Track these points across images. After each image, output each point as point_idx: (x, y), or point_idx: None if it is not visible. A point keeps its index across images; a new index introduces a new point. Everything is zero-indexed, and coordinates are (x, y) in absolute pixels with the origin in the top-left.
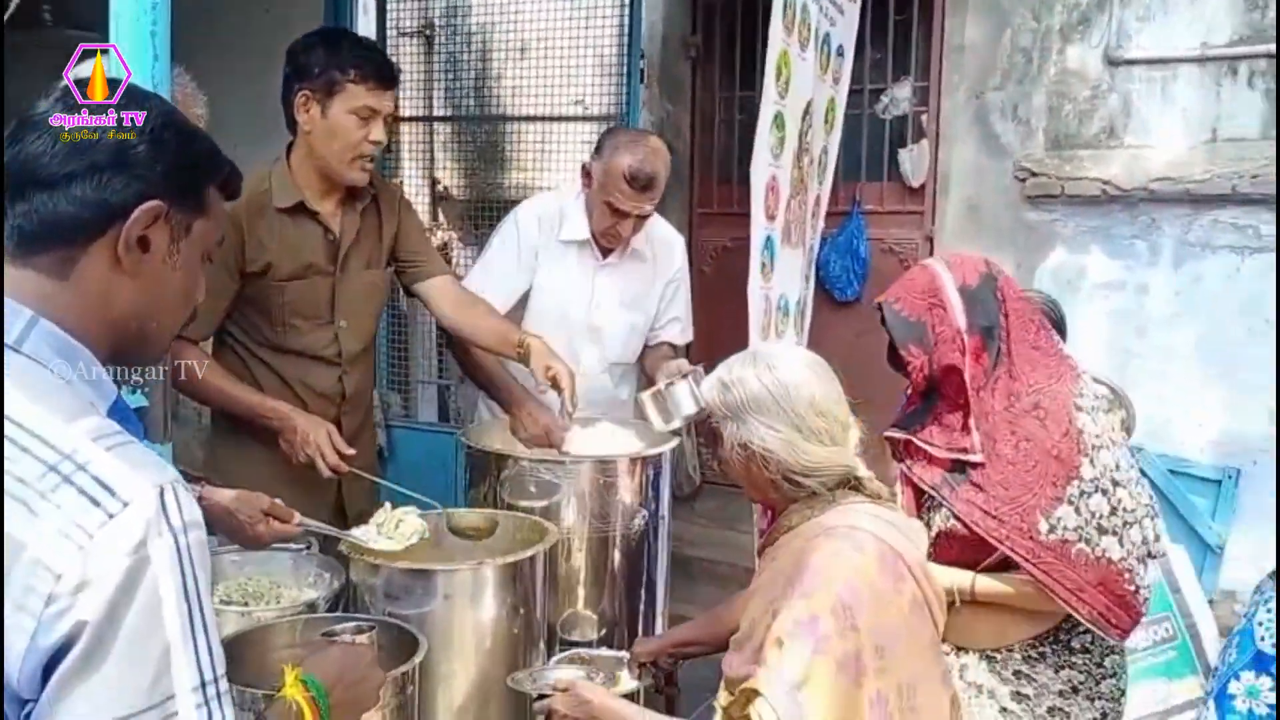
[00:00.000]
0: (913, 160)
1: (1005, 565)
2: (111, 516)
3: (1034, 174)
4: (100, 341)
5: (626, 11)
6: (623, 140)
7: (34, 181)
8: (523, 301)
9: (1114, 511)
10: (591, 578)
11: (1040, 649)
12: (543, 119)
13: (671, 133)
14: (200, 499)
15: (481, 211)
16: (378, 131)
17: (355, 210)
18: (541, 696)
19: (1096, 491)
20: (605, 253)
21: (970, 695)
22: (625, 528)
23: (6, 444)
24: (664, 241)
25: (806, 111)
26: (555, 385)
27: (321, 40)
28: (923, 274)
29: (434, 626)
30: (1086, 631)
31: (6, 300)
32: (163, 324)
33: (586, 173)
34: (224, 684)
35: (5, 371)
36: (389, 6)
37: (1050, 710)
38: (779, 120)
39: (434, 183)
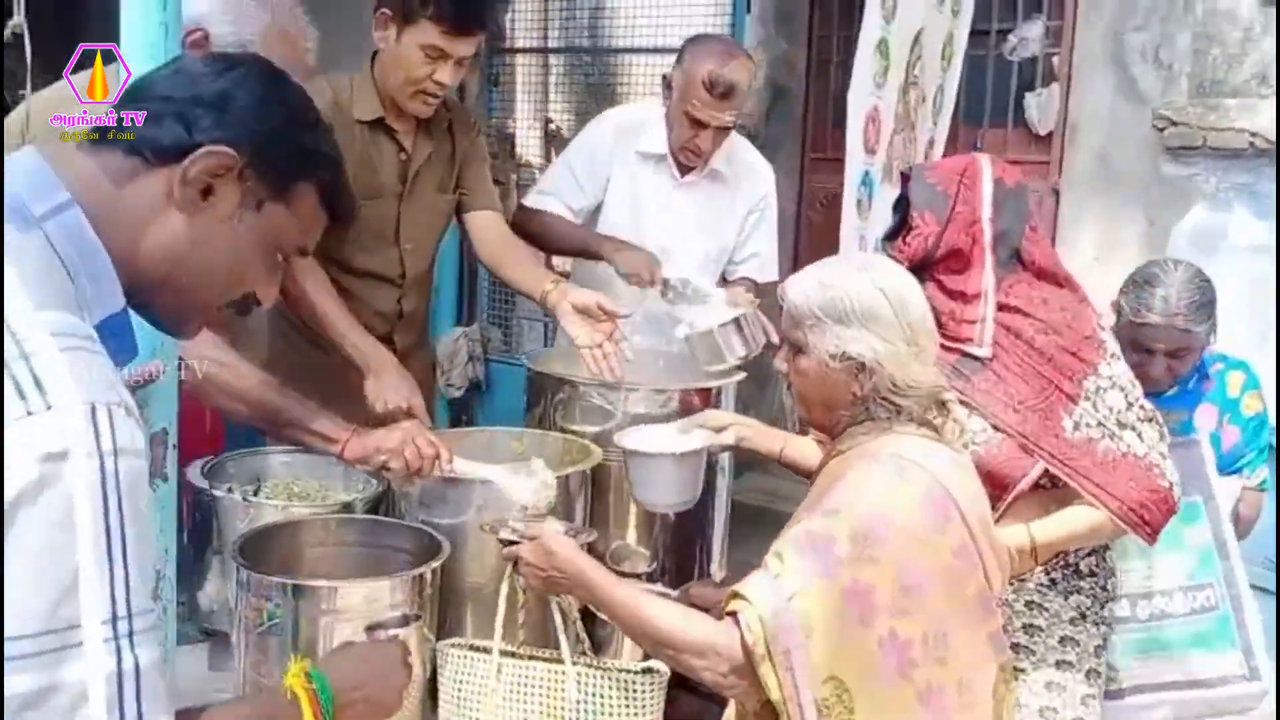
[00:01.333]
0: (1040, 105)
1: (1034, 490)
2: (30, 414)
3: (1174, 123)
4: (123, 266)
5: None
6: (705, 47)
7: (136, 97)
8: (596, 213)
9: (1130, 406)
10: (643, 510)
11: (1052, 574)
12: (653, 50)
13: (785, 72)
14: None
15: None
16: (444, 73)
17: (431, 133)
18: (511, 543)
19: (1113, 388)
20: (683, 171)
21: None
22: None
23: None
24: (749, 166)
25: (916, 41)
26: (593, 314)
27: None
28: (964, 158)
29: (465, 537)
30: (1092, 553)
31: (44, 172)
32: (194, 286)
33: (668, 83)
34: (143, 623)
35: (7, 245)
36: None
37: (1062, 640)
38: (883, 47)
39: (547, 121)
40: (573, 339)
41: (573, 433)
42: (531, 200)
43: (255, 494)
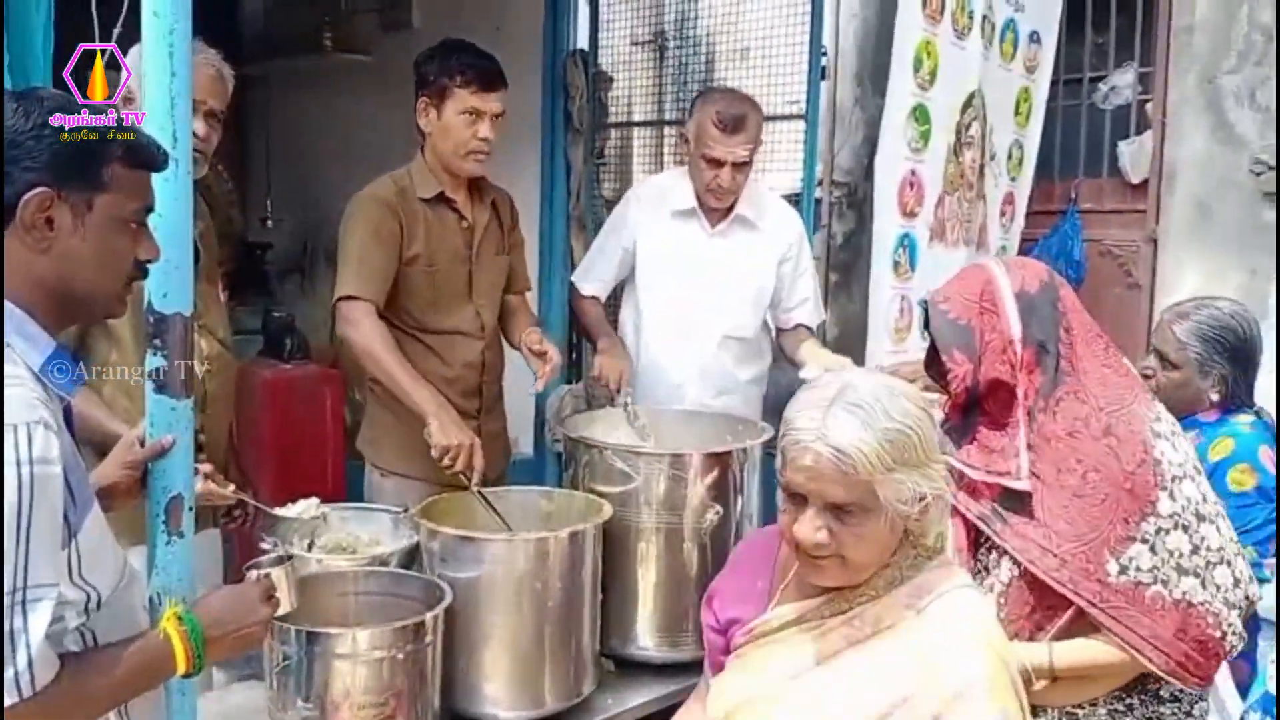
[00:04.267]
0: (1133, 154)
1: (1081, 621)
2: None
3: (1272, 167)
4: (38, 305)
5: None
6: (711, 94)
7: None
8: (632, 283)
9: (1196, 550)
10: (657, 569)
11: (1128, 700)
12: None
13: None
14: None
15: None
16: (484, 129)
17: (483, 202)
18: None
19: (1176, 528)
20: (714, 221)
21: None
22: (696, 522)
23: None
24: (777, 213)
25: (969, 103)
26: (537, 353)
27: (438, 52)
28: (977, 274)
29: (477, 590)
30: None
31: None
32: (92, 288)
33: (684, 137)
34: (33, 594)
35: None
36: (625, 18)
37: None
38: (919, 113)
39: None
40: (536, 369)
41: (597, 493)
42: (575, 277)
43: (309, 548)
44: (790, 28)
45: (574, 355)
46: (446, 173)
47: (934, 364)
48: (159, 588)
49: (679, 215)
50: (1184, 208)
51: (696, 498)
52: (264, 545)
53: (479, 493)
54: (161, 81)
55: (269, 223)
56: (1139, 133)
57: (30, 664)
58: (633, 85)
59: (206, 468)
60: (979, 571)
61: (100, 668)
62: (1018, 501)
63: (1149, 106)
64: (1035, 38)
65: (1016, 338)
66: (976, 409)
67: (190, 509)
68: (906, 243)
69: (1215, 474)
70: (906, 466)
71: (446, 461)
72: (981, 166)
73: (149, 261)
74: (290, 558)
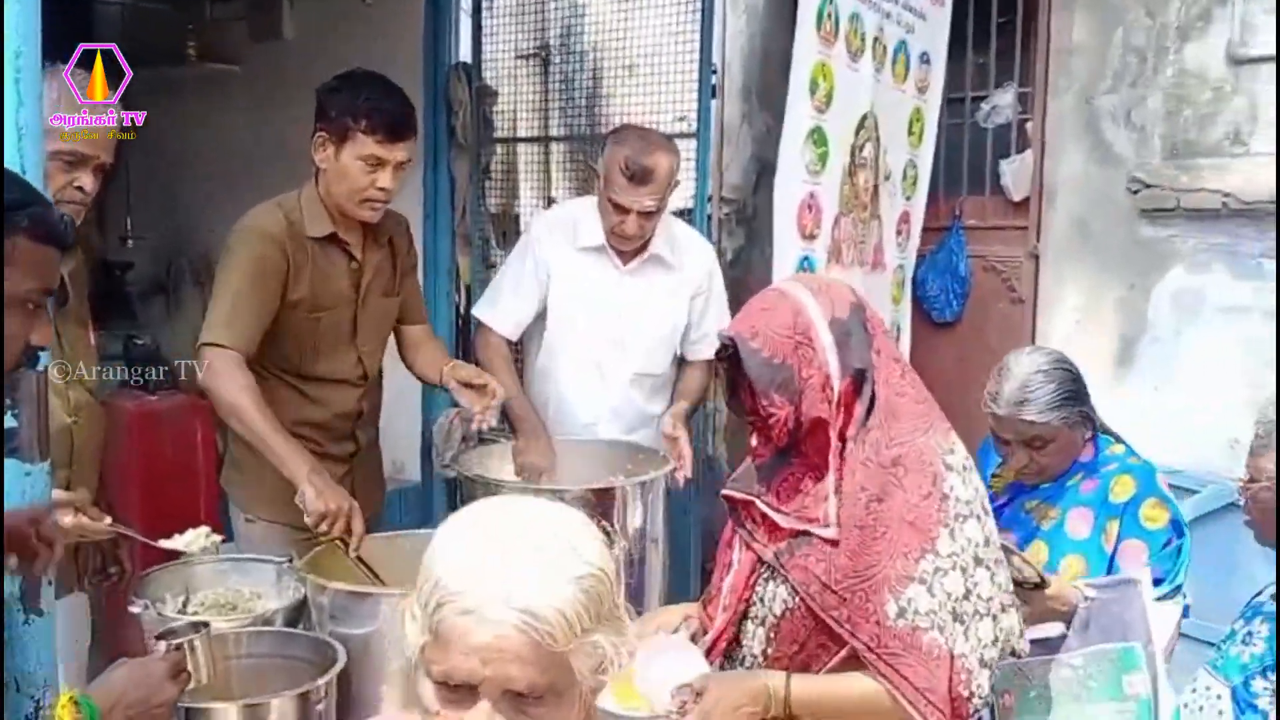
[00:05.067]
0: (1015, 172)
1: (852, 663)
2: None
3: (1148, 185)
4: None
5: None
6: (623, 135)
7: None
8: (542, 317)
9: (968, 595)
10: None
11: None
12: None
13: (771, 147)
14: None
15: None
16: (385, 179)
17: (377, 240)
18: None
19: (955, 569)
20: (625, 259)
21: None
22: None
23: None
24: (690, 249)
25: (862, 125)
26: (469, 386)
27: (344, 85)
28: (784, 303)
29: (369, 648)
30: None
31: None
32: None
33: (595, 172)
34: None
35: None
36: (509, 31)
37: None
38: (817, 135)
39: (549, 201)
40: (466, 407)
41: None
42: (480, 311)
43: (184, 606)
44: (679, 43)
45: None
46: (339, 212)
47: (736, 401)
48: (17, 673)
49: (588, 251)
50: (1064, 225)
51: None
52: (133, 609)
53: (359, 560)
54: (9, 113)
55: (129, 241)
56: (1020, 151)
57: None
58: (518, 99)
59: (77, 496)
60: (753, 603)
61: None
62: (807, 540)
63: (1029, 126)
64: (925, 58)
65: (834, 373)
66: (795, 449)
67: (49, 583)
68: (806, 265)
69: (1127, 515)
70: (601, 623)
71: (323, 528)
72: (875, 187)
73: (40, 348)
74: (206, 625)
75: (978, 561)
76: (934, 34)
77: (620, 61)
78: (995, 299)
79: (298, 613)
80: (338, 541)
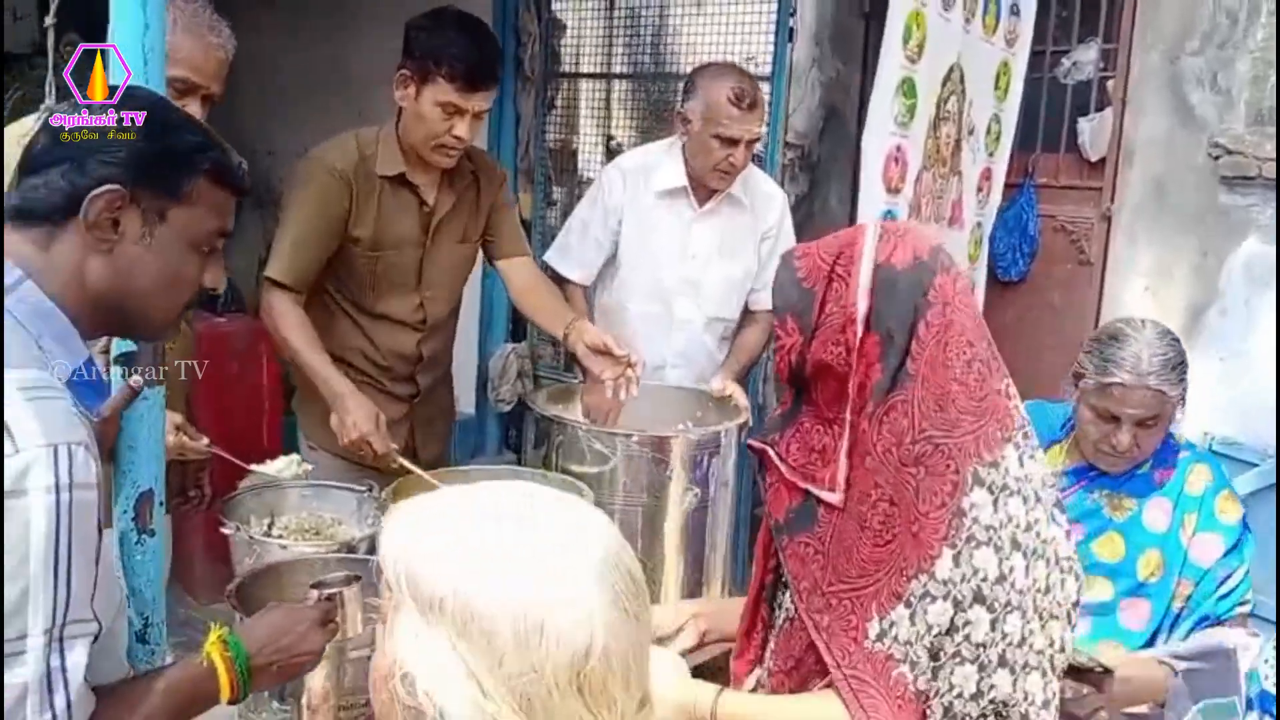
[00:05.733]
0: (1093, 131)
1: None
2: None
3: (1230, 151)
4: (80, 311)
5: None
6: (716, 70)
7: (29, 168)
8: (613, 260)
9: (951, 632)
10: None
11: None
12: None
13: (840, 93)
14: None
15: None
16: (461, 128)
17: (454, 185)
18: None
19: (945, 599)
20: (701, 200)
21: None
22: (679, 504)
23: None
24: (764, 193)
25: (948, 77)
26: (605, 351)
27: (432, 24)
28: (849, 235)
29: None
30: None
31: (7, 253)
32: (147, 304)
33: (684, 118)
34: (74, 630)
35: None
36: None
37: None
38: (907, 85)
39: (608, 139)
40: (595, 373)
41: (572, 473)
42: (551, 258)
43: (269, 530)
44: None
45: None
46: (413, 154)
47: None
48: (128, 590)
49: (665, 194)
50: (1140, 187)
51: (677, 480)
52: (224, 530)
53: (404, 464)
54: (134, 37)
55: None
56: (1099, 109)
57: (69, 706)
58: (582, 33)
59: (176, 418)
60: (778, 589)
61: (136, 702)
62: (810, 516)
63: (1110, 84)
64: (1015, 9)
65: (859, 317)
66: (804, 395)
67: (161, 504)
68: (889, 219)
69: (1203, 508)
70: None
71: (358, 455)
72: (958, 141)
73: (213, 291)
74: (358, 578)
75: (979, 599)
76: None
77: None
78: (1063, 260)
79: (375, 543)
80: (387, 459)
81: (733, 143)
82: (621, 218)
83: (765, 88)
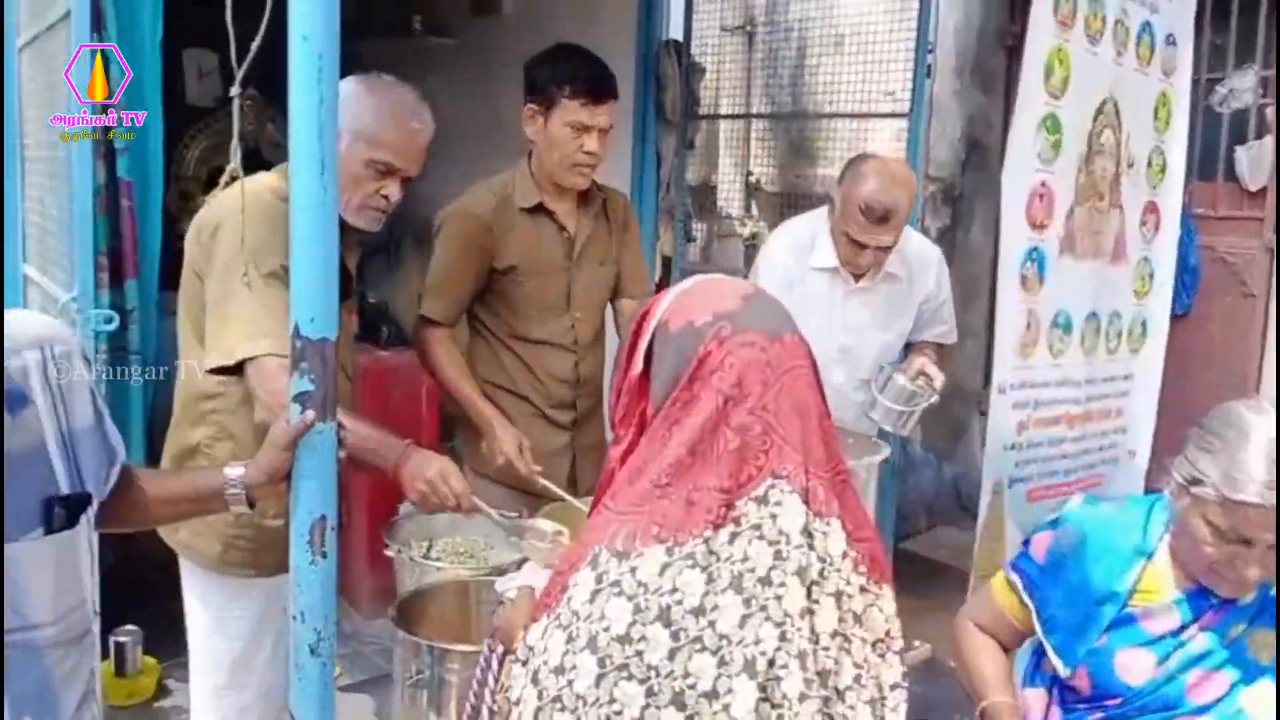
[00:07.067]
0: (1251, 159)
1: None
2: None
3: None
4: None
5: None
6: (863, 168)
7: None
8: None
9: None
10: None
11: None
12: (850, 115)
13: (982, 126)
14: None
15: (791, 204)
16: (590, 143)
17: (589, 211)
18: None
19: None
20: (857, 278)
21: None
22: None
23: None
24: (920, 259)
25: (1100, 110)
26: None
27: (547, 58)
28: (664, 292)
29: None
30: None
31: None
32: None
33: (831, 201)
34: None
35: None
36: (715, 6)
37: None
38: (1050, 121)
39: (748, 174)
40: None
41: None
42: None
43: (428, 552)
44: (888, 17)
45: None
46: (550, 182)
47: None
48: (303, 607)
49: (821, 271)
50: None
51: None
52: (388, 553)
53: (550, 488)
54: (310, 108)
55: None
56: (1258, 137)
57: None
58: (721, 74)
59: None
60: None
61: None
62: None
63: (1269, 111)
64: (1171, 40)
65: (636, 373)
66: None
67: (333, 528)
68: (1035, 256)
69: None
70: None
71: (512, 480)
72: (1117, 175)
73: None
74: None
75: (593, 646)
76: (1180, 13)
77: (828, 36)
78: (1224, 293)
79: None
80: (546, 485)
81: (860, 246)
82: (790, 292)
83: (904, 124)
